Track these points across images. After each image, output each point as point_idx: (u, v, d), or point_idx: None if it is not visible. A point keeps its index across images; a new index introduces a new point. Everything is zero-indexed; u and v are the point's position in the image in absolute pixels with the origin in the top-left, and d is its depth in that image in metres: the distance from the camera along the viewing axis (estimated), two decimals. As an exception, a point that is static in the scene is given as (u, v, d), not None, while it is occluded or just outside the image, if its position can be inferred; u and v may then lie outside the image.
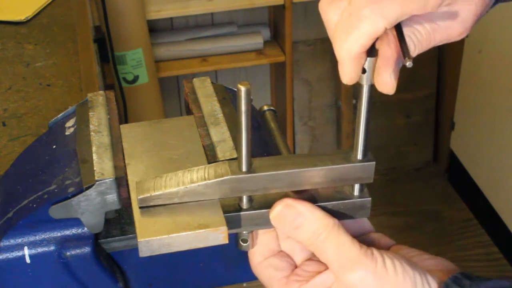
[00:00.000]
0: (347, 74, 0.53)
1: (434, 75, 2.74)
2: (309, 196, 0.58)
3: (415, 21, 0.52)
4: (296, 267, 0.60)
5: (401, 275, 0.54)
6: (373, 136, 2.74)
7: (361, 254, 0.54)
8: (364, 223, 0.63)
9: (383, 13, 0.49)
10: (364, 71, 0.52)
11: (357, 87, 0.54)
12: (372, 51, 0.51)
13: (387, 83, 0.52)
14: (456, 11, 0.52)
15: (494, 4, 0.58)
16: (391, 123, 2.79)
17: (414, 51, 0.53)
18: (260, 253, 0.60)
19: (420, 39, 0.52)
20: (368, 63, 0.51)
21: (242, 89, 0.50)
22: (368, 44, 0.51)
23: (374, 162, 0.56)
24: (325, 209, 0.57)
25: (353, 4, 0.50)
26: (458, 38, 0.54)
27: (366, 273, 0.54)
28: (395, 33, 0.51)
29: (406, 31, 0.52)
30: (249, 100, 0.50)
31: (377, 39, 0.51)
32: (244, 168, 0.54)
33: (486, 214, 2.49)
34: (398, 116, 2.80)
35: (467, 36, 2.63)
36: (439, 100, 2.79)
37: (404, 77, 2.75)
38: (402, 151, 2.86)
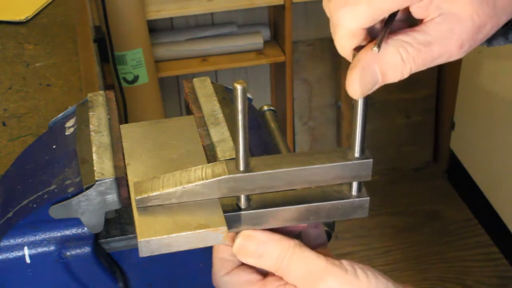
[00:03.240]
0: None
1: (434, 75, 2.74)
2: (307, 196, 0.58)
3: (406, 33, 0.51)
4: (265, 274, 0.60)
5: (373, 283, 0.54)
6: (373, 136, 2.74)
7: (329, 265, 0.54)
8: (330, 254, 0.63)
9: (353, 15, 0.50)
10: None
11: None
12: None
13: (349, 82, 0.51)
14: (449, 20, 0.50)
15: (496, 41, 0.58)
16: (391, 123, 2.79)
17: (403, 68, 0.51)
18: (230, 263, 0.60)
19: (412, 54, 0.50)
20: None
21: (238, 87, 0.50)
22: (348, 44, 0.51)
23: (371, 160, 0.56)
24: (323, 208, 0.58)
25: (329, 8, 0.52)
26: (460, 53, 0.52)
27: (335, 281, 0.54)
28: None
29: (395, 44, 0.51)
30: (245, 99, 0.50)
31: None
32: (241, 167, 0.54)
33: (486, 214, 2.49)
34: (398, 116, 2.80)
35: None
36: (439, 100, 2.79)
37: (404, 77, 2.75)
38: (402, 151, 2.86)
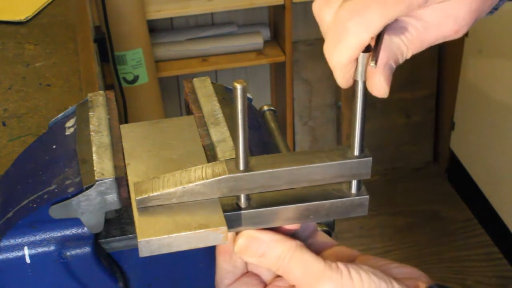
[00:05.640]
0: (340, 79, 0.54)
1: (434, 75, 2.74)
2: (307, 195, 0.58)
3: (404, 21, 0.52)
4: (265, 285, 0.61)
5: (366, 284, 0.55)
6: (373, 136, 2.74)
7: (326, 268, 0.55)
8: (324, 238, 0.64)
9: (366, 25, 0.49)
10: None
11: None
12: (365, 48, 0.51)
13: (377, 87, 0.51)
14: (447, 7, 0.51)
15: (500, 2, 0.58)
16: (391, 123, 2.79)
17: (407, 52, 0.52)
18: (231, 274, 0.61)
19: (411, 39, 0.52)
20: (361, 58, 0.51)
21: (238, 87, 0.50)
22: (355, 54, 0.51)
23: (370, 158, 0.56)
24: (323, 207, 0.58)
25: (337, 16, 0.51)
26: (456, 36, 0.53)
27: (331, 285, 0.55)
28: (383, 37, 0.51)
29: (396, 33, 0.52)
30: (245, 98, 0.50)
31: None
32: (241, 167, 0.54)
33: (486, 214, 2.49)
34: (398, 116, 2.80)
35: (466, 36, 2.63)
36: (439, 100, 2.79)
37: (404, 77, 2.75)
38: (402, 151, 2.86)
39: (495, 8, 0.58)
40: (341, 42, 0.51)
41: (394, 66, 0.52)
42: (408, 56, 0.53)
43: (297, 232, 0.61)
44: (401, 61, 0.53)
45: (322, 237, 0.64)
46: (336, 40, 0.51)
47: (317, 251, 0.61)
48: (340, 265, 0.56)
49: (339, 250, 0.62)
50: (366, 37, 0.50)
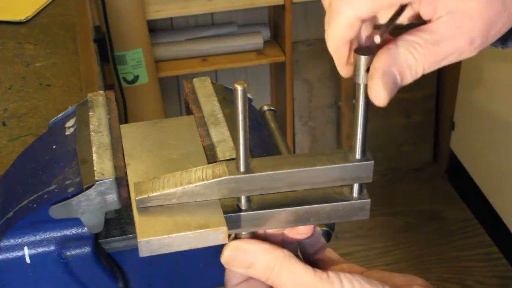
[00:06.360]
0: (338, 66, 0.54)
1: (434, 75, 2.74)
2: (308, 198, 0.58)
3: (413, 34, 0.51)
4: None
5: None
6: (373, 136, 2.74)
7: (317, 279, 0.54)
8: (331, 255, 0.63)
9: (353, 4, 0.50)
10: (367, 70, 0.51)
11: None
12: (365, 50, 0.51)
13: (375, 91, 0.50)
14: (457, 18, 0.50)
15: None
16: (391, 123, 2.79)
17: (417, 66, 0.51)
18: (239, 274, 0.60)
19: (423, 53, 0.51)
20: (362, 61, 0.51)
21: (239, 88, 0.50)
22: (344, 35, 0.51)
23: (372, 162, 0.56)
24: (324, 210, 0.57)
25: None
26: (471, 49, 0.52)
27: None
28: (389, 45, 0.51)
29: (404, 45, 0.51)
30: (245, 100, 0.50)
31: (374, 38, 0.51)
32: (242, 169, 0.54)
33: (486, 214, 2.49)
34: (398, 116, 2.80)
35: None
36: (439, 100, 2.79)
37: (404, 77, 2.75)
38: (402, 151, 2.86)
39: (503, 43, 0.57)
40: (331, 22, 0.51)
41: (398, 78, 0.51)
42: (419, 72, 0.52)
43: (305, 248, 0.61)
44: (409, 76, 0.51)
45: (330, 254, 0.63)
46: (328, 21, 0.52)
47: (324, 267, 0.60)
48: (331, 274, 0.55)
49: (346, 267, 0.62)
50: (353, 16, 0.50)
